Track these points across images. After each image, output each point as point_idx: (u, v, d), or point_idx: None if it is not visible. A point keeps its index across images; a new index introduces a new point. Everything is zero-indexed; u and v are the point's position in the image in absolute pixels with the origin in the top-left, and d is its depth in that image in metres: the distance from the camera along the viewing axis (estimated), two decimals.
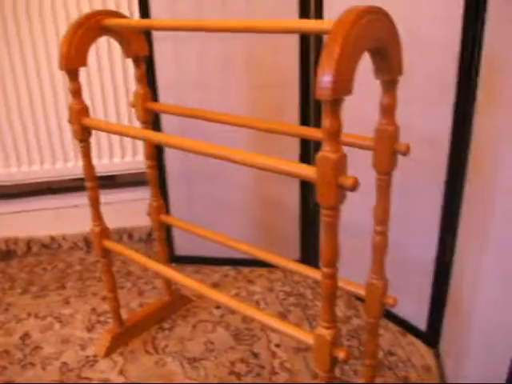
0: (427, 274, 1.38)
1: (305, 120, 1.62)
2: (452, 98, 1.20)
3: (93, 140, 1.65)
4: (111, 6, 1.78)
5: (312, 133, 1.15)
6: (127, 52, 1.29)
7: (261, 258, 1.26)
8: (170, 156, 1.72)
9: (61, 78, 1.85)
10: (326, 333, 0.90)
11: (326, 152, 0.77)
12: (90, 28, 1.18)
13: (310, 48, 1.55)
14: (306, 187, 1.72)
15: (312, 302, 1.64)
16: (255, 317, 1.04)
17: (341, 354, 0.90)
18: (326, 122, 0.76)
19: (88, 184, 1.30)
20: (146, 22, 1.28)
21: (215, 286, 1.75)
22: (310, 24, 0.82)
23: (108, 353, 1.44)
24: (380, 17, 0.81)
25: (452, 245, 1.29)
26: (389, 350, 1.42)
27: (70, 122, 1.23)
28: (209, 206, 1.79)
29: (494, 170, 1.05)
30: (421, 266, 1.39)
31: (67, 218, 2.06)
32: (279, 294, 1.69)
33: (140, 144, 1.93)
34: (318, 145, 1.60)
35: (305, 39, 1.53)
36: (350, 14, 0.76)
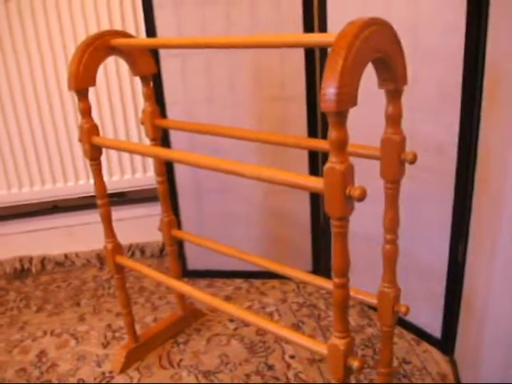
0: (440, 281, 1.38)
1: (312, 132, 1.63)
2: (458, 105, 1.21)
3: (103, 157, 1.68)
4: (117, 25, 1.81)
5: (320, 144, 1.16)
6: (135, 71, 1.31)
7: (273, 269, 1.26)
8: (180, 171, 1.74)
9: (70, 98, 1.88)
10: (340, 342, 0.90)
11: (333, 163, 0.78)
12: (98, 48, 1.20)
13: (315, 60, 1.57)
14: (316, 199, 1.73)
15: (325, 313, 1.64)
16: (269, 329, 1.04)
17: (355, 364, 0.90)
18: (332, 133, 0.78)
19: (99, 201, 1.32)
20: (153, 41, 1.30)
21: (228, 299, 1.76)
22: (314, 38, 0.84)
23: (124, 368, 1.45)
24: (382, 28, 0.82)
25: (464, 251, 1.29)
26: (404, 358, 1.41)
27: (80, 141, 1.25)
28: (219, 221, 1.80)
29: (503, 175, 1.05)
30: (433, 272, 1.39)
31: (80, 236, 2.08)
32: (292, 306, 1.69)
33: (150, 160, 1.96)
34: (326, 156, 1.62)
35: (310, 52, 1.55)
36: (352, 26, 0.77)
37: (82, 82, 1.19)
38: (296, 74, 1.58)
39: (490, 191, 1.12)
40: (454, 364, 1.37)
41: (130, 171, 1.96)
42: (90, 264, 2.05)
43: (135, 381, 1.41)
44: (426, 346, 1.46)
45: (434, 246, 1.37)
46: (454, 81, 1.20)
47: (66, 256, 2.04)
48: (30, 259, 2.03)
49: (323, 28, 1.48)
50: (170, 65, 1.62)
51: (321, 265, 1.79)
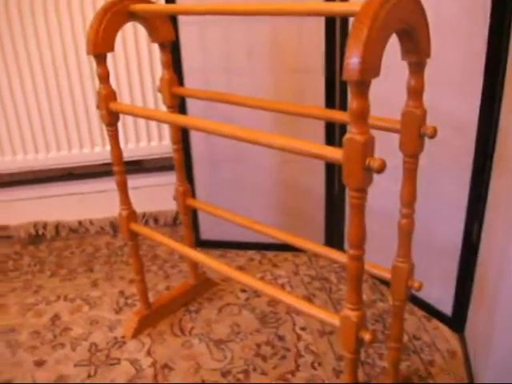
0: (453, 258, 1.37)
1: (330, 105, 1.61)
2: (480, 82, 1.18)
3: (119, 124, 1.68)
4: None
5: (338, 115, 1.14)
6: (154, 37, 1.30)
7: (287, 241, 1.26)
8: (195, 140, 1.73)
9: (87, 63, 1.87)
10: (352, 314, 0.90)
11: (354, 134, 0.77)
12: (117, 13, 1.18)
13: (335, 32, 1.54)
14: (331, 171, 1.72)
15: (336, 287, 1.64)
16: (282, 299, 1.05)
17: (367, 336, 0.91)
18: (354, 103, 0.76)
19: (116, 168, 1.32)
20: (173, 7, 1.28)
21: (240, 269, 1.76)
22: (338, 6, 0.82)
23: (136, 334, 1.47)
24: None
25: (479, 229, 1.29)
26: (414, 334, 1.42)
27: (97, 107, 1.25)
28: (234, 191, 1.80)
29: None
30: (447, 250, 1.38)
31: (94, 203, 2.10)
32: (304, 278, 1.70)
33: (166, 128, 1.95)
34: (343, 129, 1.60)
35: (330, 23, 1.52)
36: None
37: (101, 46, 1.18)
38: (315, 45, 1.55)
39: (508, 172, 1.11)
40: (463, 341, 1.37)
41: (146, 139, 1.96)
42: (103, 231, 2.07)
43: (147, 346, 1.43)
44: (436, 322, 1.46)
45: (448, 223, 1.36)
46: (477, 57, 1.17)
47: (79, 223, 2.06)
48: (45, 225, 2.05)
49: None
50: (188, 33, 1.60)
51: (334, 237, 1.79)
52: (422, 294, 1.46)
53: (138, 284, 1.47)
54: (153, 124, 1.94)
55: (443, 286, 1.42)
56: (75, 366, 1.38)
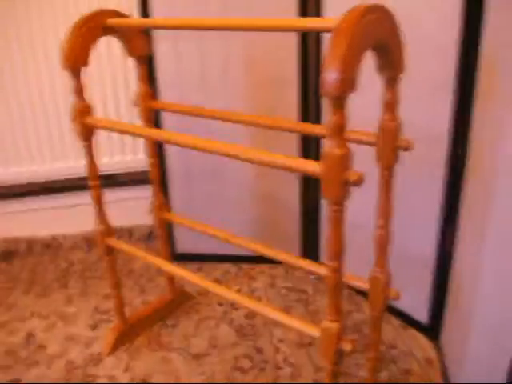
0: (427, 267, 1.40)
1: (304, 117, 1.63)
2: (450, 94, 1.22)
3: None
4: (111, 5, 1.78)
5: (313, 129, 1.16)
6: (130, 51, 1.30)
7: (264, 253, 1.27)
8: (170, 155, 1.73)
9: (61, 78, 1.85)
10: (332, 326, 0.91)
11: (332, 148, 0.79)
12: (92, 28, 1.18)
13: (308, 47, 1.56)
14: (306, 184, 1.73)
15: (313, 298, 1.66)
16: (261, 311, 1.05)
17: (347, 346, 0.92)
18: (332, 118, 0.78)
19: (91, 183, 1.31)
20: (148, 21, 1.29)
21: (217, 282, 1.76)
22: (314, 22, 0.84)
23: (113, 350, 1.45)
24: (383, 15, 0.83)
25: (452, 238, 1.31)
26: (390, 343, 1.44)
27: (72, 121, 1.24)
28: (209, 204, 1.80)
29: (494, 166, 1.07)
30: (421, 259, 1.40)
31: (67, 218, 2.06)
32: (281, 290, 1.70)
33: (140, 143, 1.94)
34: (317, 142, 1.62)
35: (304, 38, 1.55)
36: (354, 12, 0.77)
37: (76, 61, 1.17)
38: (289, 60, 1.57)
39: (480, 180, 1.14)
40: (439, 349, 1.39)
41: (120, 153, 1.94)
42: (77, 246, 2.04)
43: (124, 362, 1.41)
44: (412, 331, 1.48)
45: (422, 233, 1.39)
46: (447, 72, 1.21)
47: (53, 237, 2.03)
48: (17, 240, 2.01)
49: (318, 15, 1.48)
50: (163, 47, 1.60)
51: (309, 249, 1.80)
52: (397, 303, 1.48)
53: (114, 299, 1.45)
54: (127, 138, 1.93)
55: (418, 294, 1.44)
56: None
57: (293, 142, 1.66)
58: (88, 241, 2.03)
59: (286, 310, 1.60)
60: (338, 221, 0.84)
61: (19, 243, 2.01)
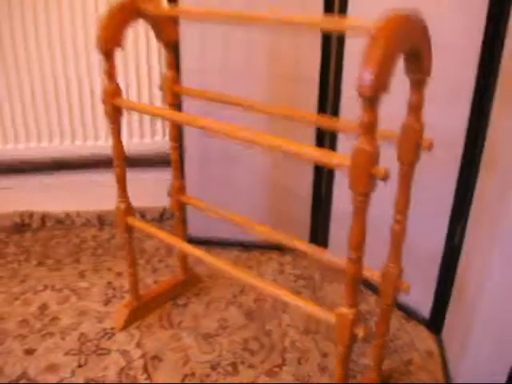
0: (435, 263, 1.44)
1: (322, 113, 1.67)
2: (470, 99, 1.26)
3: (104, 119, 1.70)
4: None
5: (337, 125, 1.20)
6: (159, 37, 1.34)
7: (283, 242, 1.31)
8: (189, 140, 1.77)
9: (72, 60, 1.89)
10: (349, 312, 0.96)
11: (362, 144, 0.83)
12: (127, 12, 1.22)
13: (331, 46, 1.59)
14: (319, 174, 1.78)
15: (320, 285, 1.71)
16: (278, 295, 1.10)
17: (361, 332, 0.97)
18: (364, 116, 0.82)
19: (116, 162, 1.35)
20: (182, 10, 1.32)
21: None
22: (354, 23, 0.87)
23: (125, 326, 1.50)
24: (417, 23, 0.87)
25: (461, 236, 1.36)
26: (394, 334, 1.49)
27: (103, 102, 1.28)
28: (222, 190, 1.84)
29: (507, 169, 1.11)
30: (429, 255, 1.45)
31: (82, 196, 2.11)
32: (289, 277, 1.75)
33: (158, 126, 1.98)
34: (333, 136, 1.66)
35: (327, 37, 1.58)
36: (392, 17, 0.81)
37: (110, 43, 1.21)
38: (311, 57, 1.61)
39: (493, 182, 1.18)
40: (440, 342, 1.45)
41: (139, 135, 1.98)
42: (89, 223, 2.08)
43: (136, 338, 1.46)
44: (415, 324, 1.53)
45: (432, 229, 1.43)
46: (466, 77, 1.24)
47: (66, 214, 2.07)
48: (31, 214, 2.05)
49: (343, 12, 1.51)
50: (188, 34, 1.63)
51: (317, 239, 1.84)
52: (402, 296, 1.53)
53: (129, 277, 1.50)
54: (146, 121, 1.96)
55: (423, 289, 1.49)
56: (65, 354, 1.41)
57: (310, 133, 1.70)
58: (101, 219, 2.07)
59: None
60: (362, 211, 0.89)
61: (33, 217, 2.05)
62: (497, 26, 1.17)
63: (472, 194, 1.30)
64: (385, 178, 0.84)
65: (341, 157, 0.88)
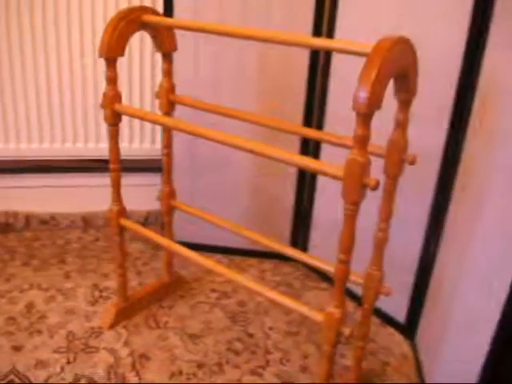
0: (410, 271, 1.53)
1: (307, 125, 1.75)
2: (447, 118, 1.35)
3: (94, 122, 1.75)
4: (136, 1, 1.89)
5: (326, 137, 1.28)
6: (159, 47, 1.40)
7: (270, 246, 1.37)
8: (177, 147, 1.82)
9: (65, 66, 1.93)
10: (336, 311, 1.03)
11: (356, 155, 0.91)
12: (130, 21, 1.28)
13: (318, 64, 1.68)
14: (302, 184, 1.85)
15: (301, 292, 1.78)
16: (267, 294, 1.17)
17: (346, 331, 1.04)
18: (358, 130, 0.90)
19: (112, 166, 1.40)
20: (183, 23, 1.38)
21: (209, 271, 1.86)
22: (350, 46, 0.95)
23: (113, 325, 1.54)
24: (407, 46, 0.96)
25: (435, 247, 1.45)
26: (370, 338, 1.56)
27: (102, 106, 1.33)
28: (207, 196, 1.90)
29: (482, 185, 1.20)
30: (405, 263, 1.54)
31: (66, 197, 2.13)
32: (270, 283, 1.82)
33: (148, 131, 2.03)
34: (317, 146, 1.74)
35: (314, 55, 1.67)
36: (385, 41, 0.89)
37: (113, 51, 1.27)
38: (299, 74, 1.69)
39: (469, 196, 1.28)
40: (414, 347, 1.53)
41: (127, 140, 2.03)
42: (74, 225, 2.11)
43: (124, 337, 1.51)
44: (390, 329, 1.62)
45: (409, 239, 1.52)
46: (446, 96, 1.34)
47: (51, 215, 2.09)
48: (15, 214, 2.07)
49: (331, 33, 1.60)
50: (182, 45, 1.69)
51: (298, 247, 1.91)
52: (378, 303, 1.61)
53: (119, 277, 1.54)
54: (136, 126, 2.02)
55: (399, 295, 1.58)
56: (54, 352, 1.44)
57: (294, 145, 1.78)
58: (85, 221, 2.10)
59: None
60: (351, 219, 0.97)
61: (17, 217, 2.07)
62: (476, 45, 1.26)
63: (446, 207, 1.40)
64: (375, 187, 0.92)
65: (335, 167, 0.96)
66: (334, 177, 0.95)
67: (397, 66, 0.93)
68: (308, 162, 0.98)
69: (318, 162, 0.97)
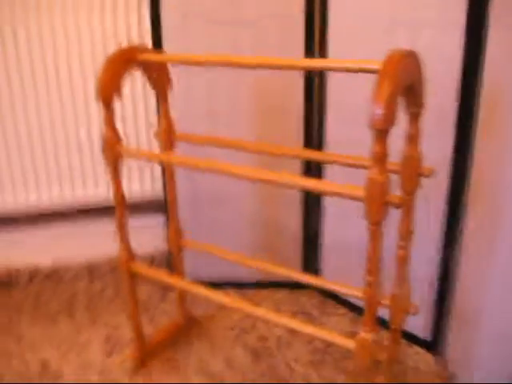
0: (431, 287, 1.50)
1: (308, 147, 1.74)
2: (453, 130, 1.34)
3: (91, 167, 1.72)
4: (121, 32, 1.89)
5: (326, 157, 1.27)
6: (154, 85, 1.38)
7: (285, 275, 1.34)
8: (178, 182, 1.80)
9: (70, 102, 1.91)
10: (369, 336, 1.00)
11: (375, 174, 0.89)
12: (125, 61, 1.26)
13: (314, 85, 1.68)
14: (307, 211, 1.83)
15: (319, 320, 1.73)
16: (294, 327, 1.13)
17: (382, 356, 1.00)
18: (376, 147, 0.88)
19: (118, 209, 1.36)
20: (180, 57, 1.37)
21: (223, 307, 1.81)
22: (359, 63, 0.95)
23: (132, 376, 1.48)
24: (414, 59, 0.95)
25: (455, 260, 1.42)
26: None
27: (102, 150, 1.30)
28: (212, 231, 1.86)
29: (497, 193, 1.19)
30: (424, 279, 1.51)
31: (68, 246, 2.09)
32: (287, 314, 1.77)
33: (147, 172, 2.01)
34: (319, 167, 1.72)
35: (309, 77, 1.66)
36: (394, 57, 0.89)
37: (109, 93, 1.25)
38: (296, 97, 1.69)
39: (486, 204, 1.26)
40: (444, 363, 1.49)
41: (126, 182, 2.00)
42: (80, 276, 2.05)
43: None
44: (416, 348, 1.57)
45: (426, 253, 1.49)
46: (449, 107, 1.33)
47: (54, 268, 2.04)
48: (17, 270, 2.01)
49: (323, 51, 1.60)
50: (174, 76, 1.68)
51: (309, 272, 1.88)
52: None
53: (133, 324, 1.49)
54: (134, 167, 1.99)
55: (422, 313, 1.54)
56: None
57: (296, 167, 1.76)
58: (90, 270, 2.05)
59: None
60: (377, 239, 0.94)
61: (20, 272, 2.01)
62: (476, 54, 1.25)
63: (460, 219, 1.37)
64: (400, 205, 0.90)
65: (355, 188, 0.94)
66: (355, 198, 0.93)
67: (406, 80, 0.92)
68: (326, 186, 0.96)
69: (338, 185, 0.95)
